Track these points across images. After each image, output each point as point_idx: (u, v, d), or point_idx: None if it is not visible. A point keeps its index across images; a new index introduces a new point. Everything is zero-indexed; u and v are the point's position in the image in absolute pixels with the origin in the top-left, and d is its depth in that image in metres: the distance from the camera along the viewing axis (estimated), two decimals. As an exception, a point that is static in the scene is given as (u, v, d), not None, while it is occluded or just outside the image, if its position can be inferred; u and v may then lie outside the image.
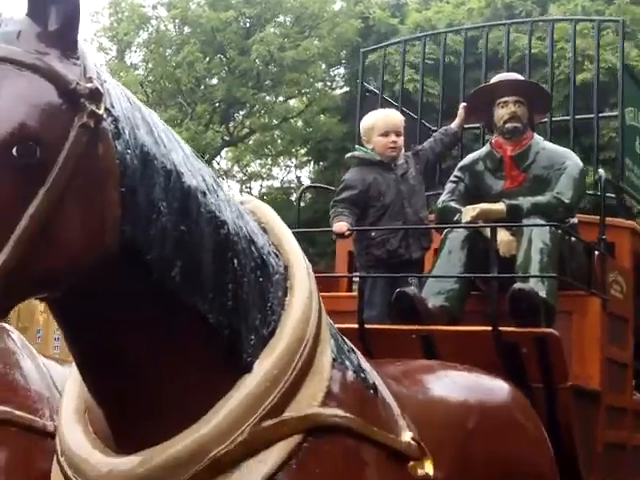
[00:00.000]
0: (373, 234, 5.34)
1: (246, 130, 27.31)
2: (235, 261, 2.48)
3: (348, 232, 5.21)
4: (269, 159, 29.34)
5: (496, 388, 3.85)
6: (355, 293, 5.63)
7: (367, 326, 4.75)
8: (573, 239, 5.25)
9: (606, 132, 13.93)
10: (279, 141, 27.47)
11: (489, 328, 4.54)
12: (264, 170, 29.90)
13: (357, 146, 5.74)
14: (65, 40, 2.15)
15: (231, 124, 26.96)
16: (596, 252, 5.31)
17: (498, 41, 13.08)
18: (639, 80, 7.17)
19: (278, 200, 26.73)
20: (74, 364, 2.51)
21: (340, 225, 5.20)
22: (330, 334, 2.75)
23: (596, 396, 4.91)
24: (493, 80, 5.88)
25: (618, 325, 5.36)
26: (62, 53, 2.14)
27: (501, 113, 5.59)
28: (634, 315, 5.67)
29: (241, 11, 25.41)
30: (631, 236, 5.88)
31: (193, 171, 2.43)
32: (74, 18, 2.15)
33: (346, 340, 2.93)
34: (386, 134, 5.50)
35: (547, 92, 6.08)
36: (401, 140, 5.54)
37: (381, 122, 5.55)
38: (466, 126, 6.37)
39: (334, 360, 2.69)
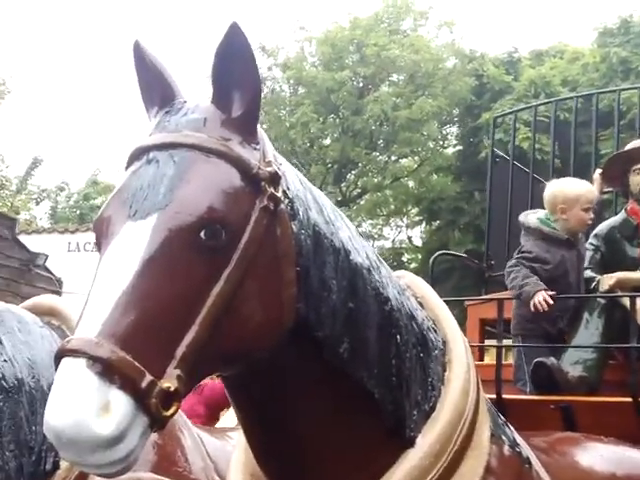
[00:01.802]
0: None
1: (358, 190, 27.48)
2: (398, 337, 2.52)
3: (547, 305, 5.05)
4: (381, 219, 29.41)
5: (643, 461, 3.80)
6: (489, 362, 5.62)
7: (505, 396, 4.74)
8: None
9: None
10: (391, 201, 27.53)
11: (629, 399, 4.50)
12: (375, 230, 29.98)
13: (542, 218, 5.45)
14: (247, 126, 2.25)
15: (343, 184, 27.16)
16: None
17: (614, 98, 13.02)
18: None
19: (390, 261, 26.78)
20: (234, 434, 2.57)
21: (542, 294, 5.04)
22: (487, 408, 2.78)
23: None
24: (628, 147, 5.87)
25: None
26: (244, 139, 2.23)
27: (637, 180, 5.57)
28: None
29: (355, 71, 25.72)
30: None
31: (358, 248, 2.49)
32: (255, 105, 2.25)
33: (499, 414, 2.95)
34: (587, 210, 5.37)
35: (682, 157, 6.02)
36: None
37: (586, 197, 5.37)
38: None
39: (492, 435, 2.70)
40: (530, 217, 5.54)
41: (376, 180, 26.81)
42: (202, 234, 2.07)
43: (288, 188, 2.29)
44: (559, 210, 5.35)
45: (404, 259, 29.03)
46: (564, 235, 5.36)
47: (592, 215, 5.42)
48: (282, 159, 2.39)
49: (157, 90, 2.33)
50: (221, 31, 2.19)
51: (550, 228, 5.37)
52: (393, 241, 30.01)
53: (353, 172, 27.61)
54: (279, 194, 2.23)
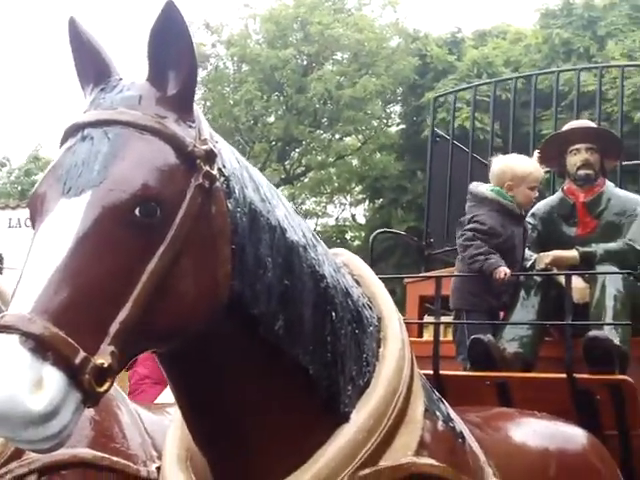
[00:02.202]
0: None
1: (302, 168, 27.48)
2: (333, 314, 2.55)
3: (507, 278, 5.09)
4: (324, 197, 29.46)
5: (575, 436, 3.87)
6: (426, 338, 5.68)
7: (442, 372, 4.80)
8: (645, 285, 5.27)
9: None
10: (335, 179, 27.57)
11: (564, 375, 4.57)
12: (319, 208, 30.02)
13: (497, 189, 5.41)
14: (182, 104, 2.26)
15: (287, 162, 27.15)
16: (668, 298, 5.32)
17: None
18: None
19: (333, 239, 26.85)
20: (171, 410, 2.59)
21: (505, 270, 5.07)
22: (421, 384, 2.81)
23: (670, 443, 4.90)
24: (565, 127, 5.95)
25: (691, 371, 5.34)
26: (179, 116, 2.24)
27: (573, 160, 5.65)
28: None
29: (299, 49, 25.69)
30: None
31: (294, 226, 2.51)
32: (191, 83, 2.26)
33: (434, 390, 2.99)
34: (533, 188, 5.42)
35: (618, 138, 6.13)
36: None
37: (534, 175, 5.41)
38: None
39: (426, 410, 2.74)
40: (483, 188, 5.52)
41: (320, 158, 26.84)
42: (137, 211, 2.08)
43: (224, 166, 2.30)
44: (506, 187, 5.36)
45: (347, 237, 29.11)
46: (518, 209, 5.38)
47: (537, 194, 5.48)
48: (218, 137, 2.40)
49: (92, 67, 2.32)
50: (157, 8, 2.19)
51: (507, 201, 5.36)
52: (337, 219, 30.08)
53: (297, 150, 27.60)
54: (214, 172, 2.24)
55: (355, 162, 27.19)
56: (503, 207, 5.32)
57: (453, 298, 5.38)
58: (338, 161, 26.75)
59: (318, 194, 29.06)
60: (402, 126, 26.25)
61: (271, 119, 26.70)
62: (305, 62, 26.34)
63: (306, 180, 28.02)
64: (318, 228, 29.08)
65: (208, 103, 26.69)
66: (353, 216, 29.66)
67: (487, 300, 5.21)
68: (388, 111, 28.02)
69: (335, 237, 27.88)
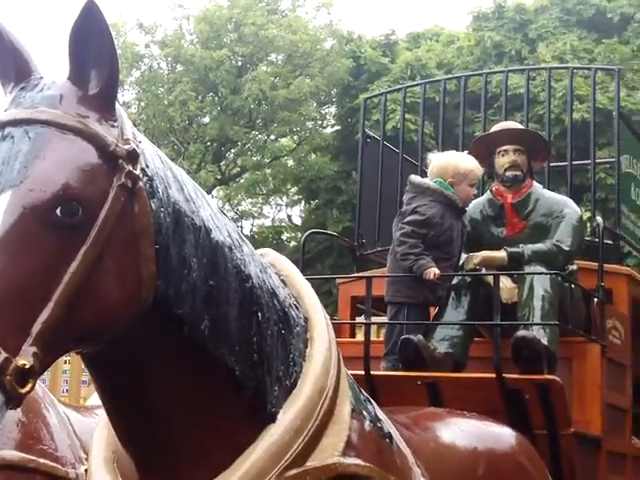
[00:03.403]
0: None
1: (237, 169, 27.40)
2: (259, 314, 2.56)
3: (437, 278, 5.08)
4: (260, 198, 29.40)
5: (503, 436, 3.91)
6: (359, 339, 5.69)
7: (373, 372, 4.82)
8: (573, 286, 5.33)
9: (596, 172, 14.15)
10: (270, 180, 27.53)
11: (493, 375, 4.62)
12: (255, 209, 29.96)
13: (440, 180, 5.37)
14: (104, 103, 2.24)
15: (222, 163, 27.05)
16: (595, 299, 5.40)
17: (487, 81, 13.29)
18: (634, 128, 7.29)
19: (269, 239, 26.81)
20: (100, 412, 2.58)
21: (434, 271, 5.06)
22: (348, 384, 2.82)
23: (597, 442, 4.97)
24: (493, 129, 6.00)
25: (617, 371, 5.43)
26: (101, 116, 2.23)
27: (501, 161, 5.69)
28: (631, 361, 5.75)
29: (233, 50, 25.56)
30: (628, 282, 5.95)
31: (220, 227, 2.51)
32: (113, 82, 2.25)
33: (362, 390, 3.00)
34: (473, 185, 5.44)
35: (546, 140, 6.18)
36: None
37: (474, 173, 5.42)
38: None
39: (353, 410, 2.75)
40: (424, 179, 5.54)
41: (255, 159, 26.70)
42: (58, 211, 2.06)
43: (147, 166, 2.30)
44: (448, 182, 5.35)
45: (284, 237, 29.07)
46: (460, 202, 5.36)
47: (475, 191, 5.51)
48: (141, 137, 2.38)
49: (13, 66, 2.30)
50: (79, 7, 2.18)
51: (450, 192, 5.33)
52: (273, 220, 30.00)
53: (232, 151, 27.45)
54: (137, 172, 2.23)
55: (290, 163, 27.13)
56: (445, 198, 5.30)
57: (389, 291, 5.33)
58: (273, 162, 26.66)
59: (254, 195, 28.95)
60: (337, 127, 26.24)
61: (206, 120, 26.54)
62: (239, 63, 26.21)
63: (242, 181, 27.86)
64: (254, 229, 29.04)
65: (142, 103, 26.46)
66: (289, 217, 29.65)
67: (423, 293, 5.18)
68: (323, 112, 28.01)
69: (271, 238, 27.83)
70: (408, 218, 5.27)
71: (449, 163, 5.41)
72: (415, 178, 5.57)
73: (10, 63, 2.30)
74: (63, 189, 2.07)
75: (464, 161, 5.47)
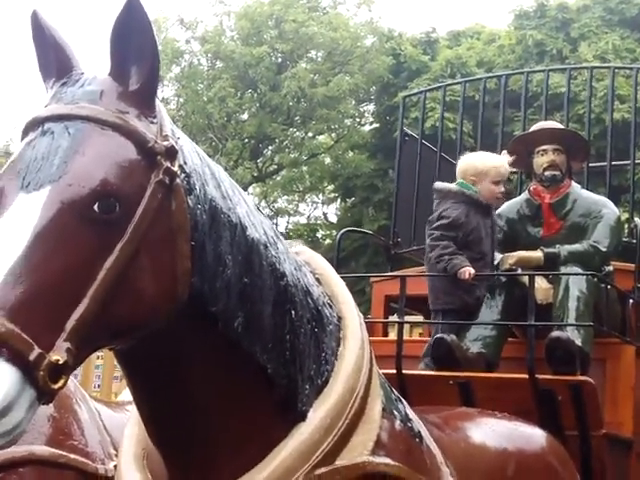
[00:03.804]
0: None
1: (274, 166, 27.43)
2: (293, 313, 2.57)
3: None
4: (296, 195, 29.42)
5: (534, 436, 3.90)
6: (391, 337, 5.69)
7: (405, 372, 4.82)
8: (609, 287, 5.31)
9: (636, 172, 14.07)
10: (307, 177, 27.54)
11: (526, 376, 4.61)
12: (291, 206, 29.98)
13: (462, 182, 5.42)
14: (144, 99, 2.26)
15: (260, 160, 27.09)
16: (630, 300, 5.37)
17: (528, 80, 13.23)
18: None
19: (305, 237, 26.82)
20: (131, 407, 2.60)
21: (469, 270, 5.07)
22: (379, 383, 2.83)
23: (629, 444, 4.95)
24: (533, 128, 5.98)
25: (651, 373, 5.39)
26: (141, 112, 2.25)
27: (540, 161, 5.68)
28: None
29: (273, 47, 25.61)
30: (664, 284, 5.92)
31: (256, 224, 2.52)
32: (153, 78, 2.26)
33: (393, 389, 3.01)
34: (497, 183, 5.39)
35: (585, 140, 6.15)
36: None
37: (497, 170, 5.38)
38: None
39: (383, 409, 2.75)
40: (445, 184, 5.54)
41: (292, 156, 26.75)
42: (96, 207, 2.08)
43: (185, 163, 2.31)
44: (469, 182, 5.36)
45: (319, 235, 29.09)
46: (484, 199, 5.35)
47: (502, 189, 5.45)
48: (180, 133, 2.40)
49: (54, 61, 2.32)
50: (121, 3, 2.20)
51: (471, 191, 5.34)
52: (308, 217, 30.05)
53: (270, 148, 27.53)
54: (175, 168, 2.24)
55: (328, 160, 27.17)
56: (468, 197, 5.32)
57: (430, 299, 5.34)
58: (311, 159, 26.72)
59: (290, 192, 28.99)
60: (375, 125, 26.23)
61: (244, 116, 26.62)
62: (279, 60, 26.27)
63: (278, 178, 27.93)
64: (290, 226, 29.06)
65: (181, 100, 26.60)
66: (325, 215, 29.68)
67: (459, 296, 5.18)
68: (361, 110, 28.03)
69: (306, 235, 27.87)
70: (436, 224, 5.30)
71: (469, 164, 5.43)
72: (438, 184, 5.59)
73: (52, 58, 2.31)
74: (101, 185, 2.08)
75: (483, 159, 5.47)
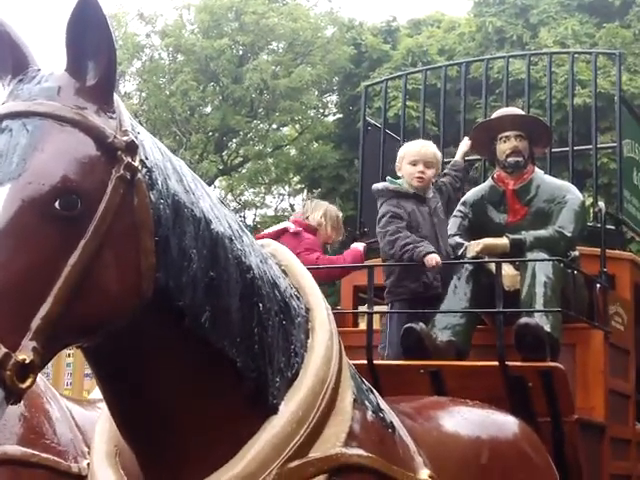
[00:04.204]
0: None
1: (240, 159, 27.35)
2: (260, 305, 2.55)
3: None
4: (263, 188, 29.36)
5: (506, 423, 3.91)
6: (361, 328, 5.68)
7: (375, 362, 4.81)
8: (575, 272, 5.32)
9: (599, 157, 14.15)
10: (273, 169, 27.49)
11: (496, 363, 4.61)
12: (258, 199, 29.93)
13: (388, 178, 5.70)
14: (102, 94, 2.23)
15: (225, 153, 27.00)
16: (597, 285, 5.39)
17: (489, 67, 13.26)
18: (636, 112, 7.27)
19: (272, 229, 26.73)
20: (102, 406, 2.57)
21: (435, 258, 5.15)
22: (350, 374, 2.81)
23: (601, 428, 4.97)
24: (494, 115, 5.98)
25: (620, 357, 5.43)
26: (99, 107, 2.22)
27: (503, 148, 5.68)
28: (634, 346, 5.75)
29: (234, 39, 25.48)
30: (631, 268, 5.95)
31: (220, 217, 2.50)
32: (111, 73, 2.24)
33: (364, 380, 2.99)
34: (414, 163, 5.50)
35: (547, 126, 6.16)
36: (430, 173, 5.54)
37: (412, 151, 5.57)
38: (466, 158, 6.43)
39: (355, 400, 2.74)
40: (374, 185, 5.79)
41: (257, 148, 26.63)
42: (57, 204, 2.06)
43: (146, 157, 2.29)
44: (397, 169, 5.61)
45: (286, 227, 28.98)
46: (409, 189, 5.50)
47: (424, 168, 5.50)
48: (140, 128, 2.38)
49: (10, 58, 2.29)
50: (75, -1, 2.17)
51: (395, 185, 5.55)
52: (275, 209, 29.92)
53: (234, 140, 27.39)
54: (136, 163, 2.22)
55: (292, 152, 27.09)
56: (392, 191, 5.54)
57: (385, 291, 5.46)
58: (275, 151, 26.62)
59: (256, 185, 28.88)
60: (338, 115, 26.18)
61: (207, 110, 26.47)
62: (240, 52, 26.14)
63: (244, 171, 27.83)
64: (257, 219, 28.98)
65: (143, 94, 26.42)
66: (292, 206, 29.59)
67: (407, 286, 5.33)
68: (324, 101, 27.95)
69: (274, 228, 27.75)
70: (382, 222, 5.49)
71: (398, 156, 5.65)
72: (373, 186, 5.80)
73: (7, 55, 2.29)
74: (62, 181, 2.06)
75: (405, 145, 5.78)
